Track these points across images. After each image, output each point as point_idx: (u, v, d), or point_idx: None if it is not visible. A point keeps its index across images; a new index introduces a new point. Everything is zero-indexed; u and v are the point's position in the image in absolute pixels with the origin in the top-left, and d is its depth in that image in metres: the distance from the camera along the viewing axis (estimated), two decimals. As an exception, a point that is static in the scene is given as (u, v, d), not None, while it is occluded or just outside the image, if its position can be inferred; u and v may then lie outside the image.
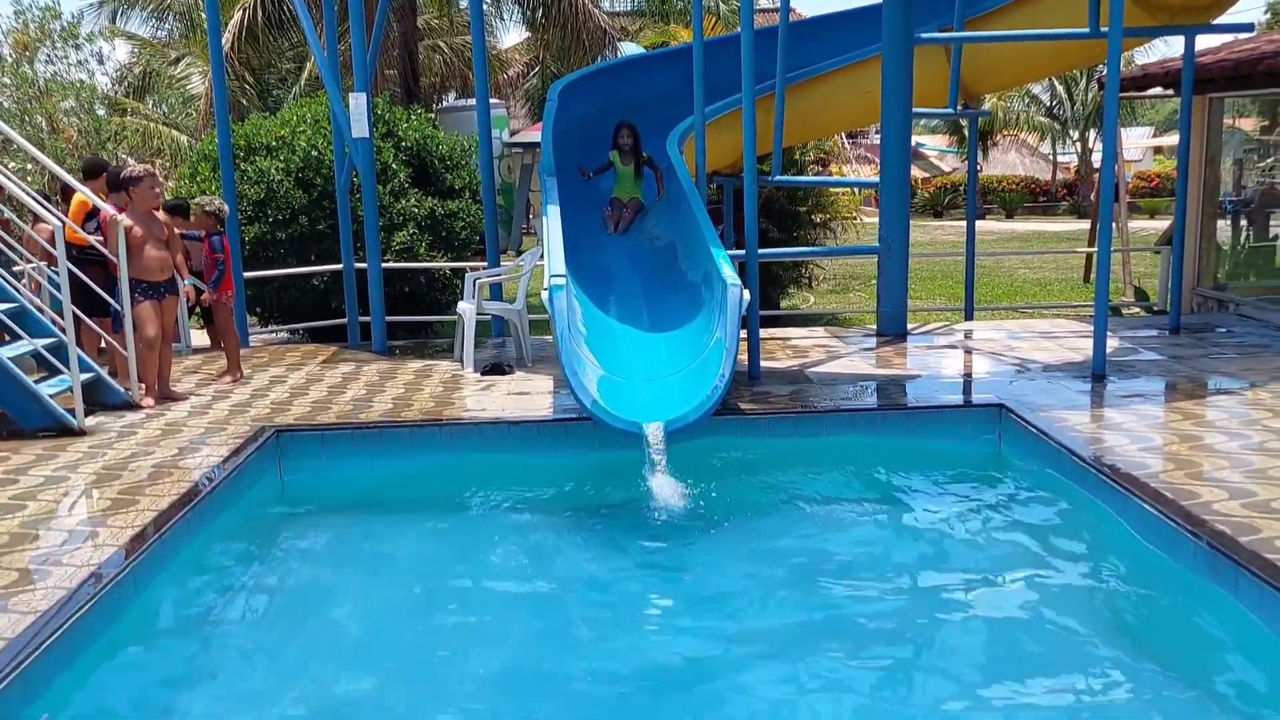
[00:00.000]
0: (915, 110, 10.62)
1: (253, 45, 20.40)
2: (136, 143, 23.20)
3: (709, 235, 8.50)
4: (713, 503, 6.64)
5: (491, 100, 13.20)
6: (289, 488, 7.24)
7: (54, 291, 8.15)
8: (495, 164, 12.35)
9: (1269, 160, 12.35)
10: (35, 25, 19.78)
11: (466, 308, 9.69)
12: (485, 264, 11.08)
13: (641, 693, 4.62)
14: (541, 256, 9.08)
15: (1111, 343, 9.43)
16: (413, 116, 13.10)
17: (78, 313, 7.86)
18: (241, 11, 19.65)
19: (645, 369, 8.07)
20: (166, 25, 28.09)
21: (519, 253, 22.53)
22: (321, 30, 11.04)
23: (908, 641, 5.02)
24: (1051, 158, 43.90)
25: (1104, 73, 10.07)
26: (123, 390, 8.21)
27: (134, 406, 8.12)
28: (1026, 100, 39.09)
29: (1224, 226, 12.63)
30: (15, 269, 8.98)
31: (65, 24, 20.40)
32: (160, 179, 8.63)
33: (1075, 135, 38.70)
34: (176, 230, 8.66)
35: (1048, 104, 39.79)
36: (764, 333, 9.86)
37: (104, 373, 8.24)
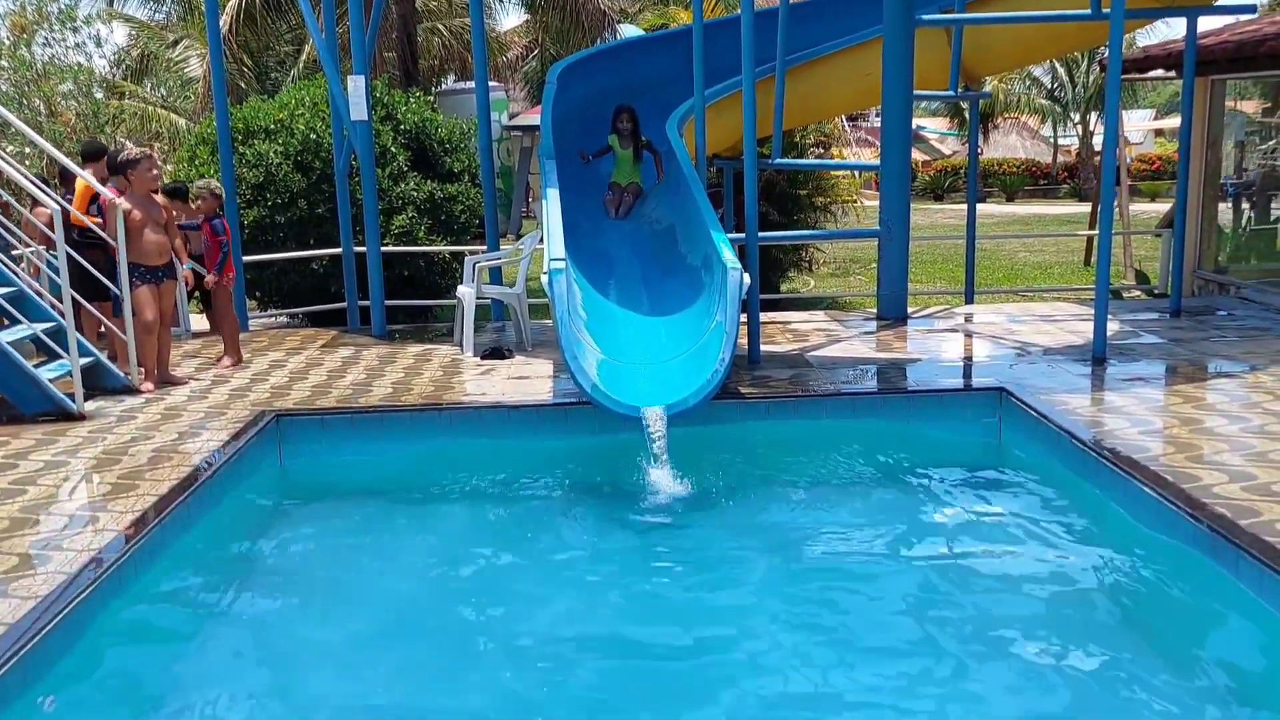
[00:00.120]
0: (916, 93, 10.59)
1: (251, 28, 20.31)
2: (135, 126, 23.10)
3: (709, 219, 8.48)
4: (713, 487, 6.64)
5: (491, 83, 13.15)
6: (289, 472, 7.25)
7: (53, 276, 8.13)
8: (494, 147, 12.31)
9: (1270, 143, 12.31)
10: (33, 8, 19.67)
11: (466, 292, 9.67)
12: (484, 248, 11.06)
13: (647, 672, 4.63)
14: (541, 240, 9.06)
15: (1112, 326, 9.42)
16: (412, 99, 13.05)
17: (77, 297, 7.84)
18: (239, -6, 19.57)
19: (645, 353, 8.06)
20: (164, 8, 27.97)
21: (518, 236, 22.50)
22: (320, 13, 11.00)
23: (910, 622, 5.03)
24: (1052, 140, 43.78)
25: (1105, 55, 10.04)
26: (122, 374, 8.20)
27: (133, 391, 8.12)
28: (1027, 83, 38.92)
29: (1225, 209, 12.60)
30: (14, 253, 8.96)
31: (63, 6, 20.27)
32: (158, 161, 8.60)
33: (1076, 118, 38.58)
34: (175, 222, 8.63)
35: (1049, 86, 39.63)
36: (764, 316, 9.85)
37: (103, 357, 8.23)
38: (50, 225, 7.62)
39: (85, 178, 8.71)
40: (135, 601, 4.98)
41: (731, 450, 7.24)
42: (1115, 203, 10.19)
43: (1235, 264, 12.37)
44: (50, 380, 7.54)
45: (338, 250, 11.09)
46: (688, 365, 7.50)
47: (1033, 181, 40.06)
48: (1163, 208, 23.57)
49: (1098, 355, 8.56)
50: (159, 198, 8.64)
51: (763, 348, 9.01)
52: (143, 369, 8.25)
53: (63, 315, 7.63)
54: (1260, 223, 12.47)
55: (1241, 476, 5.69)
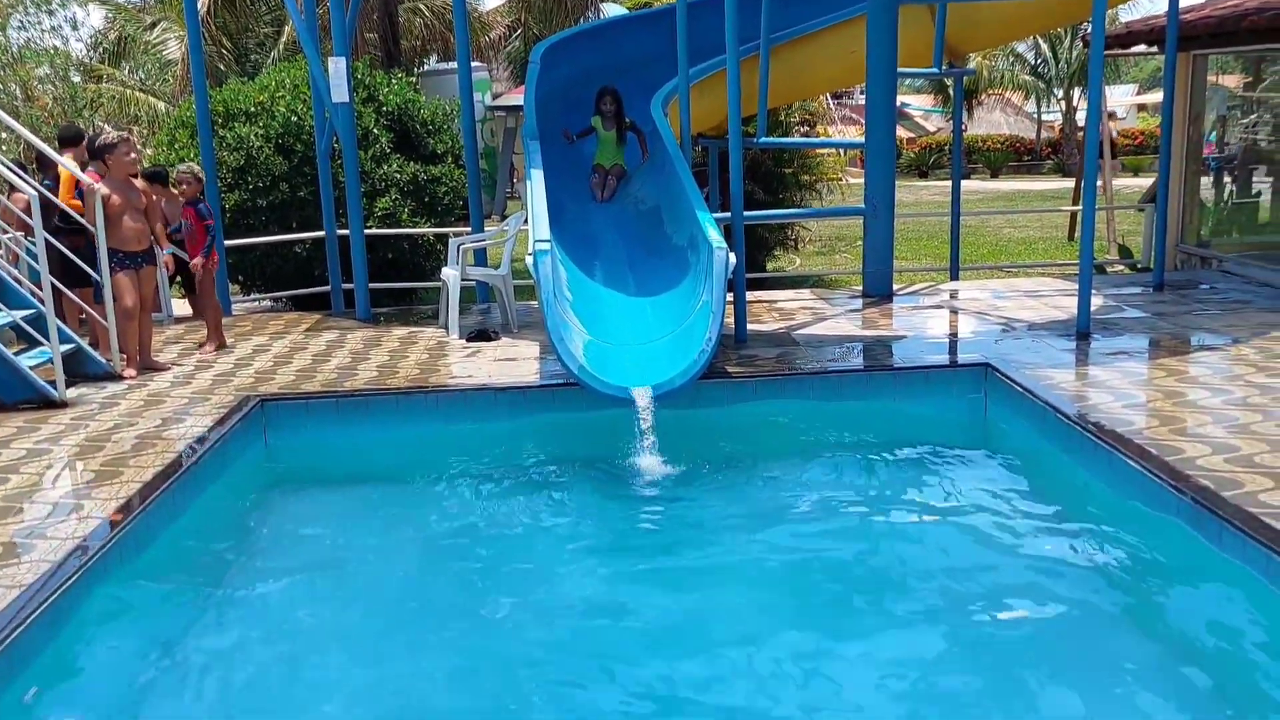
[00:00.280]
0: (900, 70, 10.57)
1: (229, 9, 20.16)
2: (113, 110, 22.92)
3: (694, 198, 8.46)
4: (701, 466, 6.65)
5: (473, 63, 13.08)
6: (274, 457, 7.22)
7: (32, 262, 8.07)
8: (478, 128, 12.25)
9: (1251, 117, 12.33)
10: (8, -9, 19.50)
11: (451, 274, 9.64)
12: (469, 229, 11.01)
13: (637, 649, 4.64)
14: (525, 221, 9.03)
15: (1096, 300, 9.45)
16: (394, 80, 12.97)
17: (56, 284, 7.79)
18: (218, -25, 19.42)
19: (631, 334, 8.05)
20: (142, -10, 27.73)
21: (503, 217, 22.43)
22: (299, -7, 10.89)
23: (891, 594, 5.05)
24: (1036, 116, 43.80)
25: (1089, 30, 10.02)
26: (104, 361, 8.16)
27: (116, 377, 8.08)
28: (1011, 59, 38.90)
29: (1207, 183, 12.62)
30: (-7, 240, 8.90)
31: (38, -11, 20.12)
32: (136, 145, 8.52)
33: (1060, 94, 38.60)
34: (155, 207, 8.57)
35: (1032, 62, 39.64)
36: (750, 295, 9.85)
37: (84, 344, 8.18)
38: (28, 211, 7.56)
39: (63, 163, 8.64)
40: (120, 589, 4.95)
41: (719, 429, 7.24)
42: (1099, 178, 10.19)
43: (1217, 238, 12.40)
44: (31, 368, 7.49)
45: (321, 233, 11.03)
46: (674, 345, 7.49)
47: (1017, 157, 40.11)
48: (1145, 182, 23.62)
49: (1082, 330, 8.58)
50: (138, 182, 8.58)
51: (749, 327, 9.01)
52: (124, 355, 8.21)
53: (42, 302, 7.57)
54: (1241, 196, 12.50)
55: (1224, 448, 5.72)
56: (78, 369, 7.98)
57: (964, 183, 14.58)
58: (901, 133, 37.80)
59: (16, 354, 7.57)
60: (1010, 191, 30.23)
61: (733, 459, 6.85)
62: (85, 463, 6.21)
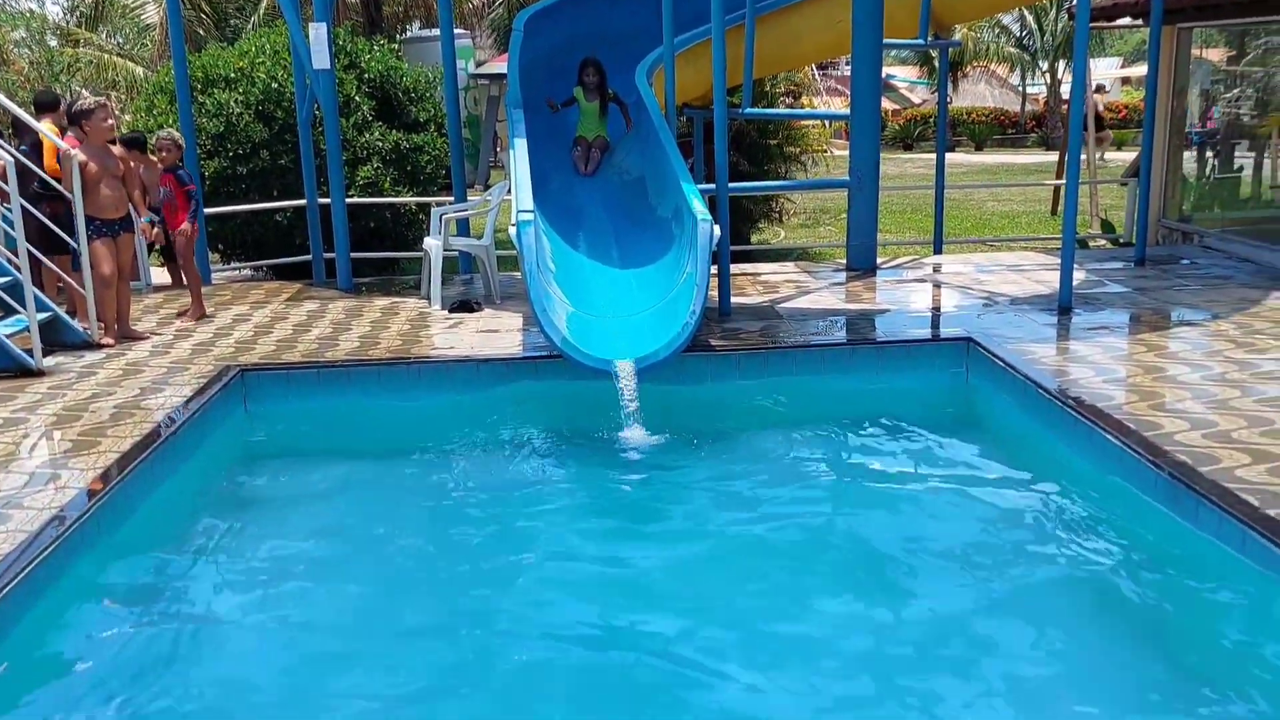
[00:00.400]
0: (885, 41, 10.52)
1: (209, -27, 19.91)
2: (90, 75, 22.67)
3: (679, 170, 8.42)
4: (685, 438, 6.65)
5: (456, 30, 12.94)
6: (254, 427, 7.19)
7: (8, 229, 7.99)
8: (461, 96, 12.15)
9: (1235, 91, 12.34)
10: (-17, -47, 19.21)
11: (433, 244, 9.59)
12: (451, 199, 10.95)
13: (621, 620, 4.65)
14: (509, 191, 8.97)
15: (1078, 275, 9.47)
16: (375, 47, 12.85)
17: (33, 251, 7.70)
18: (197, -62, 19.17)
19: (615, 306, 8.03)
20: (119, -49, 27.38)
21: (486, 186, 22.31)
22: (279, -42, 10.76)
23: (869, 564, 5.09)
24: (1021, 89, 43.75)
25: (1074, 2, 9.98)
26: (82, 329, 8.09)
27: (93, 346, 8.02)
28: (996, 31, 38.82)
29: (1190, 158, 12.64)
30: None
31: (14, -49, 19.81)
32: (114, 111, 8.42)
33: (1044, 66, 38.56)
34: (133, 173, 8.48)
35: (1017, 34, 39.56)
36: (734, 268, 9.83)
37: (62, 312, 8.11)
38: (3, 177, 7.46)
39: (39, 129, 8.54)
40: (98, 560, 4.94)
41: (702, 402, 7.25)
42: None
43: (1199, 213, 12.43)
44: (7, 336, 7.42)
45: (302, 202, 10.95)
46: (658, 318, 7.48)
47: (1001, 130, 40.08)
48: (1129, 156, 23.63)
49: (1064, 305, 8.60)
50: (116, 149, 8.49)
51: (733, 300, 9.00)
52: (102, 324, 8.15)
53: (19, 270, 7.49)
54: (1224, 171, 12.52)
55: (1202, 424, 5.75)
56: (55, 338, 7.92)
57: (948, 155, 14.55)
58: (886, 104, 37.63)
59: (-7, 322, 7.51)
60: (994, 165, 30.23)
61: (715, 431, 6.85)
62: (63, 432, 6.17)
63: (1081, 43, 8.70)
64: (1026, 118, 41.39)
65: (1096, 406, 6.08)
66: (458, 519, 5.81)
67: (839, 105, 23.74)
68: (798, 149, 15.79)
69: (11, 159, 7.46)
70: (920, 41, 11.23)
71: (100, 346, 8.02)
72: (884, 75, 15.49)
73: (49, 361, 7.55)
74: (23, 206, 7.43)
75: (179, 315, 9.08)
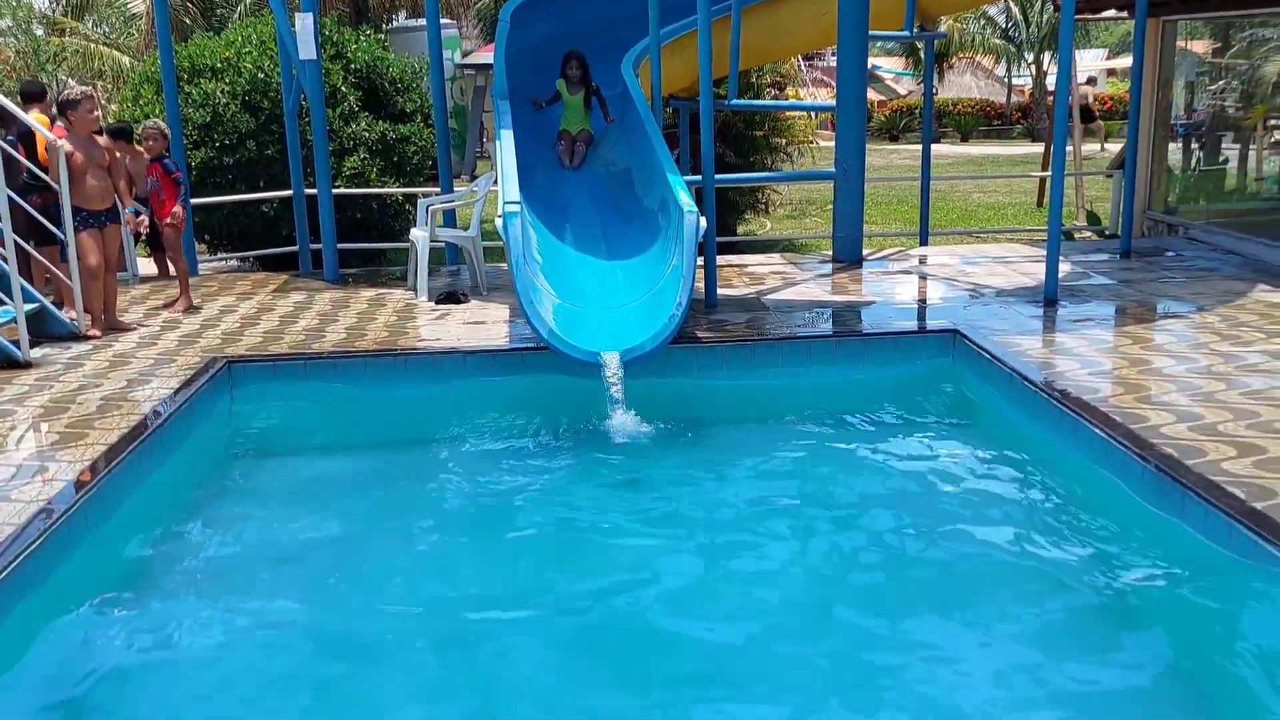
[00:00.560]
0: (871, 33, 10.53)
1: (195, -37, 19.81)
2: (76, 64, 22.54)
3: (665, 161, 8.42)
4: (671, 429, 6.66)
5: (443, 20, 12.92)
6: (241, 419, 7.18)
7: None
8: (447, 86, 12.13)
9: (1219, 83, 12.39)
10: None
11: (420, 235, 9.57)
12: (438, 190, 10.93)
13: (611, 612, 4.68)
14: (495, 182, 8.96)
15: (1063, 267, 9.51)
16: (362, 38, 12.82)
17: (20, 242, 7.67)
18: (182, -73, 19.07)
19: (602, 297, 8.03)
20: (105, -60, 27.19)
21: (473, 177, 22.26)
22: (265, -52, 10.71)
23: (858, 560, 5.12)
24: (1006, 80, 43.81)
25: (1060, -5, 10.01)
26: (69, 321, 8.06)
27: (80, 338, 7.99)
28: (982, 22, 38.86)
29: (1175, 150, 12.69)
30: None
31: (-2, -60, 19.68)
32: (99, 102, 8.38)
33: (1030, 58, 38.62)
34: (119, 164, 8.44)
35: (1003, 26, 39.60)
36: (720, 259, 9.83)
37: (48, 303, 8.08)
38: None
39: (27, 120, 8.48)
40: (86, 553, 4.92)
41: (689, 393, 7.26)
42: (1069, 144, 10.22)
43: (1184, 204, 12.49)
44: (-6, 327, 7.40)
45: (288, 192, 10.91)
46: (644, 310, 7.48)
47: (987, 122, 40.10)
48: (1114, 147, 23.69)
49: (1049, 297, 8.64)
50: (101, 139, 8.45)
51: (720, 291, 9.01)
52: (89, 315, 8.12)
53: (6, 261, 7.46)
54: (1209, 163, 12.58)
55: (1188, 417, 5.78)
56: (42, 329, 7.89)
57: (934, 147, 14.58)
58: (872, 95, 37.74)
59: (-22, 313, 7.48)
60: (980, 156, 30.27)
61: (700, 423, 6.87)
62: (50, 424, 6.15)
63: (1066, 35, 8.73)
64: (1012, 109, 41.43)
65: (1082, 399, 6.11)
66: (444, 510, 5.83)
67: (825, 96, 23.74)
68: (784, 140, 15.81)
69: (-2, 150, 7.42)
70: (906, 33, 11.25)
71: (87, 338, 7.99)
72: (870, 66, 15.49)
73: (36, 353, 7.53)
74: (10, 197, 7.39)
75: (165, 306, 9.05)
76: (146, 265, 11.05)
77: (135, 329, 8.35)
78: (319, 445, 6.82)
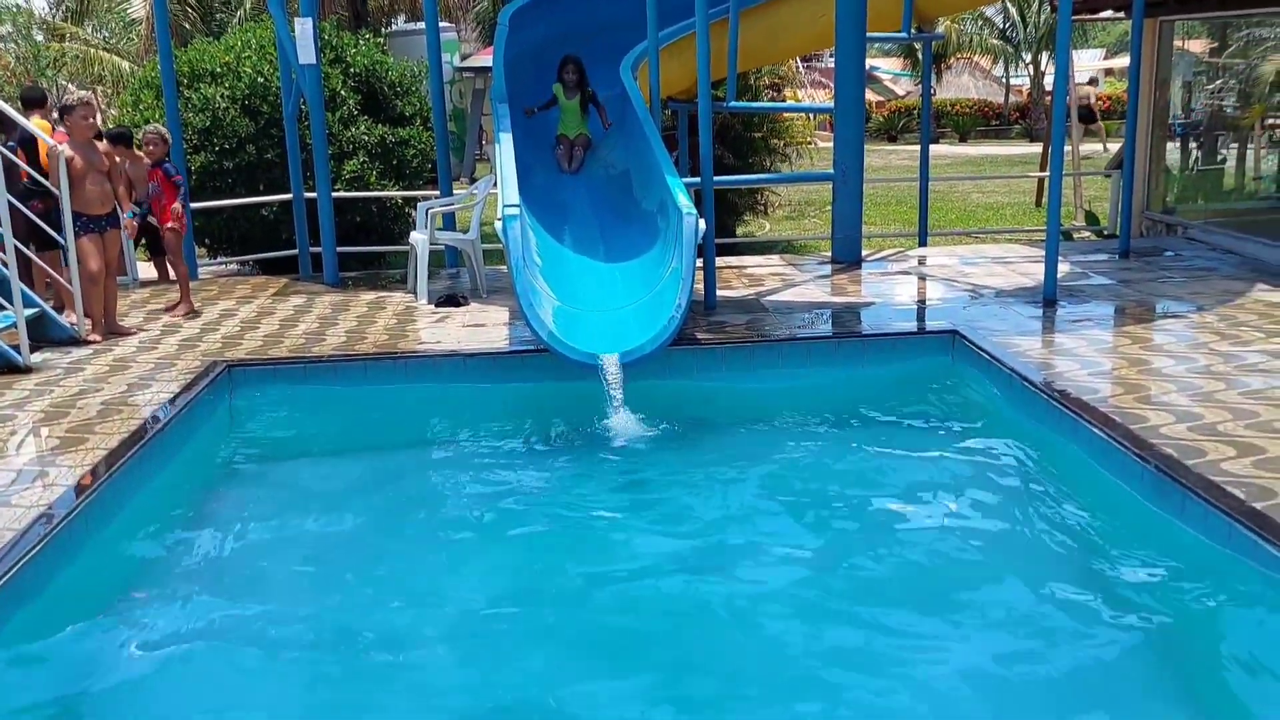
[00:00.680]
0: (869, 34, 10.54)
1: (194, -33, 19.82)
2: (76, 69, 22.56)
3: (664, 163, 8.43)
4: (670, 431, 6.67)
5: (442, 24, 12.93)
6: (241, 423, 7.19)
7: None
8: (446, 89, 12.15)
9: (1217, 83, 12.41)
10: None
11: (419, 238, 9.58)
12: (437, 193, 10.94)
13: (612, 617, 4.68)
14: (495, 185, 8.97)
15: (1062, 267, 9.52)
16: (361, 42, 12.83)
17: (20, 247, 7.68)
18: (181, -68, 19.09)
19: (601, 300, 8.04)
20: (104, -53, 27.21)
21: (472, 180, 22.28)
22: (264, -48, 10.73)
23: (859, 558, 5.11)
24: (1004, 81, 43.85)
25: (1058, -5, 10.03)
26: (69, 325, 8.07)
27: (81, 342, 8.00)
28: (980, 23, 38.88)
29: (1173, 149, 12.71)
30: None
31: (-3, -55, 19.69)
32: (94, 107, 8.39)
33: (1028, 58, 38.65)
34: (118, 168, 8.46)
35: (1001, 26, 39.63)
36: (720, 261, 9.85)
37: (49, 308, 8.09)
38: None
39: (28, 126, 8.49)
40: (86, 558, 4.93)
41: (688, 395, 7.27)
42: (1067, 144, 10.24)
43: (1183, 204, 12.51)
44: (-5, 333, 7.41)
45: (288, 196, 10.93)
46: (644, 311, 7.49)
47: (985, 122, 40.15)
48: (1116, 147, 23.70)
49: (1048, 297, 8.65)
50: (101, 144, 8.46)
51: (719, 293, 9.02)
52: (89, 320, 8.13)
53: (7, 266, 7.47)
54: (1207, 163, 12.60)
55: (1188, 417, 5.79)
56: (42, 334, 7.89)
57: (933, 147, 14.60)
58: (871, 96, 37.74)
59: (-21, 319, 7.49)
60: (978, 156, 30.31)
61: (700, 424, 6.88)
62: (50, 429, 6.16)
63: (1064, 35, 8.74)
64: (1010, 109, 41.48)
65: (1082, 399, 6.12)
66: (444, 512, 5.83)
67: (823, 98, 23.75)
68: (782, 142, 15.83)
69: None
70: (904, 34, 11.26)
71: (87, 342, 8.00)
72: (868, 67, 15.51)
73: (36, 358, 7.53)
74: (11, 202, 7.40)
75: (166, 310, 9.06)
76: (146, 269, 11.06)
77: (135, 333, 8.36)
78: (319, 449, 6.83)
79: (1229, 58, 12.14)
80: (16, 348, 7.35)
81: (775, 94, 16.44)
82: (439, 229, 9.97)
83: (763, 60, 13.89)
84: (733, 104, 11.22)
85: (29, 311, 7.61)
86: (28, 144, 8.65)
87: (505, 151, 8.62)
